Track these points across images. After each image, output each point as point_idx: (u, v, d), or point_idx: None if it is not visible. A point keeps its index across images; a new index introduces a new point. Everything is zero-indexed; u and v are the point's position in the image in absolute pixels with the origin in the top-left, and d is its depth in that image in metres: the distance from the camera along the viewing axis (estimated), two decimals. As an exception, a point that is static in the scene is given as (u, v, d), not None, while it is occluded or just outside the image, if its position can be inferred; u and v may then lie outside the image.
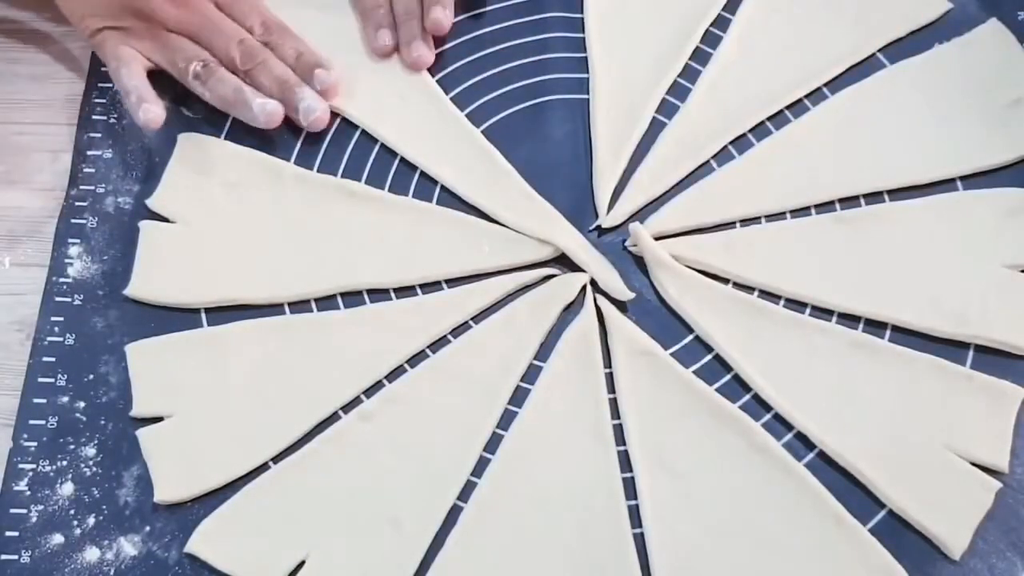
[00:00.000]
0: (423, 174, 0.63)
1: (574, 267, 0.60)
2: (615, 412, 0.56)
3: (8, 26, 0.62)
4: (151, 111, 0.61)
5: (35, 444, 0.56)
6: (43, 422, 0.57)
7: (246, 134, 0.64)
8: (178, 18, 0.63)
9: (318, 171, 0.63)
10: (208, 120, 0.64)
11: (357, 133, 0.64)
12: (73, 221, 0.62)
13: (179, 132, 0.64)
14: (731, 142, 0.63)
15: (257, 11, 0.65)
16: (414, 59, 0.65)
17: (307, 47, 0.65)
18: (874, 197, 0.61)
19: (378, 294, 0.60)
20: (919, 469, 0.54)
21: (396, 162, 0.63)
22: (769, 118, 0.63)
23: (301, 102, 0.62)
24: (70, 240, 0.61)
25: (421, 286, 0.60)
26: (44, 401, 0.57)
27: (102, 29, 0.63)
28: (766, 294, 0.59)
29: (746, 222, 0.61)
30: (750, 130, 0.63)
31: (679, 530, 0.53)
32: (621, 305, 0.59)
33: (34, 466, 0.56)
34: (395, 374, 0.58)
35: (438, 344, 0.59)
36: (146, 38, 0.63)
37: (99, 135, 0.64)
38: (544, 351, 0.58)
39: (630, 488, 0.55)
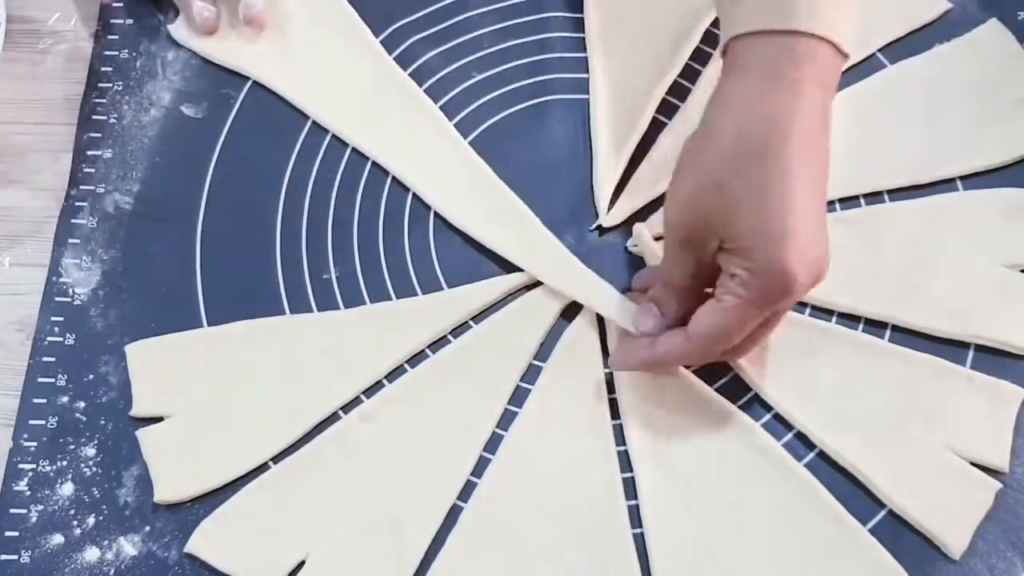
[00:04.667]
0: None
1: (574, 267, 0.60)
2: (615, 412, 0.56)
3: (9, 25, 0.62)
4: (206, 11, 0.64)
5: (35, 444, 0.56)
6: (43, 422, 0.57)
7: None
8: None
9: (313, 181, 0.62)
10: (208, 120, 0.64)
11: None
12: (73, 221, 0.62)
13: (179, 132, 0.64)
14: (731, 142, 0.63)
15: None
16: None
17: None
18: (874, 197, 0.61)
19: (378, 294, 0.60)
20: (919, 469, 0.54)
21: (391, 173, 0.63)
22: (769, 118, 0.63)
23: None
24: (70, 240, 0.61)
25: (421, 286, 0.60)
26: (44, 401, 0.57)
27: None
28: (766, 294, 0.59)
29: (746, 222, 0.61)
30: (750, 130, 0.63)
31: (679, 530, 0.53)
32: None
33: (34, 466, 0.56)
34: (395, 374, 0.58)
35: (438, 344, 0.59)
36: None
37: (99, 135, 0.64)
38: (544, 351, 0.58)
39: (630, 488, 0.55)
